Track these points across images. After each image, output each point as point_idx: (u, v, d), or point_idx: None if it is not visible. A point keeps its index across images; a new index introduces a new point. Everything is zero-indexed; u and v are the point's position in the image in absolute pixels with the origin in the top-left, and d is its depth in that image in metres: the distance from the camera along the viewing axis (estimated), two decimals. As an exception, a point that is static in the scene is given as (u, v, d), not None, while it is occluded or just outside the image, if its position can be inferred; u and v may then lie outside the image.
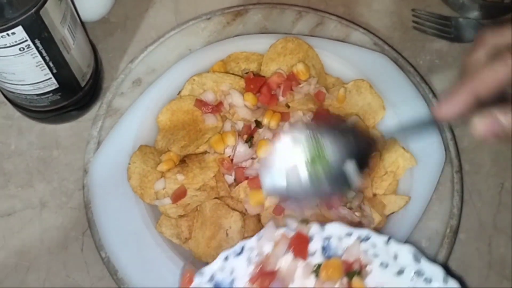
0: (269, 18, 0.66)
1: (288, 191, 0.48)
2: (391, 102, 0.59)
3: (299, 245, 0.48)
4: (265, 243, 0.48)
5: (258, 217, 0.55)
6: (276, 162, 0.47)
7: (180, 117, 0.58)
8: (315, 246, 0.49)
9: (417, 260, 0.48)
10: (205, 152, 0.56)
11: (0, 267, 0.57)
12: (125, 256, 0.53)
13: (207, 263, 0.53)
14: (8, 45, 0.49)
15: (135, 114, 0.59)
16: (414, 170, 0.57)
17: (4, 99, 0.61)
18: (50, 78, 0.55)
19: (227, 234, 0.53)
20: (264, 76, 0.60)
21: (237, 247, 0.48)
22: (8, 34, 0.48)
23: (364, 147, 0.48)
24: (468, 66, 0.43)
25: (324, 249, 0.49)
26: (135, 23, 0.68)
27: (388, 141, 0.57)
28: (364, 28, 0.66)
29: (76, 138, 0.62)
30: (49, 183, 0.60)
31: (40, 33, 0.50)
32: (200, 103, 0.58)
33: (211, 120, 0.57)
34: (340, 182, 0.47)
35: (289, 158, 0.47)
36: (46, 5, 0.49)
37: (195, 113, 0.58)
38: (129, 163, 0.56)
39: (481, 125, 0.41)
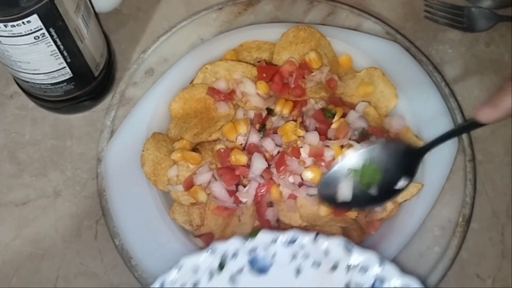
0: (280, 8, 0.66)
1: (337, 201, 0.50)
2: (403, 90, 0.59)
3: None
4: (187, 274, 0.47)
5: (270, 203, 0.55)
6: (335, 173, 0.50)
7: (192, 105, 0.59)
8: (241, 263, 0.47)
9: (348, 251, 0.47)
10: (217, 140, 0.56)
11: (15, 256, 0.57)
12: (139, 243, 0.54)
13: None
14: (24, 33, 0.49)
15: (148, 103, 0.59)
16: (427, 158, 0.56)
17: (19, 90, 0.62)
18: (64, 67, 0.55)
19: (239, 220, 0.53)
20: (276, 65, 0.60)
21: (157, 283, 0.47)
22: (23, 23, 0.49)
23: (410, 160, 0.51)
24: None
25: (252, 262, 0.48)
26: (147, 14, 0.68)
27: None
28: (376, 18, 0.66)
29: (90, 128, 0.62)
30: (63, 173, 0.61)
31: (54, 22, 0.50)
32: (213, 91, 0.58)
33: (223, 108, 0.57)
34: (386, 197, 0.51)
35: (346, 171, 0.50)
36: (61, -7, 0.49)
37: (208, 101, 0.58)
38: (143, 150, 0.56)
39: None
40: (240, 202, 0.53)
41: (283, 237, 0.47)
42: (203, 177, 0.54)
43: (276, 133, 0.55)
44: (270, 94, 0.58)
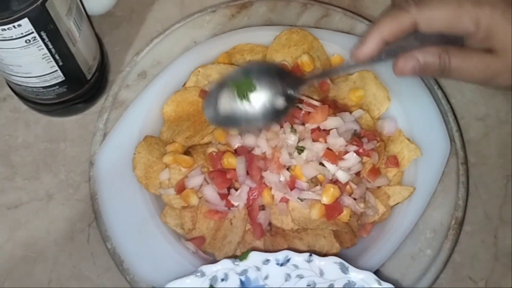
0: (274, 11, 0.66)
1: (230, 120, 0.50)
2: (396, 93, 0.59)
3: None
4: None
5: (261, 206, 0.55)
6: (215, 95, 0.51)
7: (185, 108, 0.58)
8: (232, 285, 0.46)
9: (344, 271, 0.46)
10: (209, 143, 0.56)
11: (8, 259, 0.57)
12: (131, 247, 0.54)
13: (213, 255, 0.54)
14: (14, 37, 0.49)
15: (140, 106, 0.59)
16: (419, 161, 0.57)
17: (11, 93, 0.62)
18: (56, 70, 0.55)
19: (231, 223, 0.53)
20: (268, 68, 0.60)
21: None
22: (14, 26, 0.48)
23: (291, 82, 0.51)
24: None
25: (244, 284, 0.46)
26: (140, 16, 0.68)
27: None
28: (369, 20, 0.65)
29: (82, 130, 0.62)
30: (56, 175, 0.60)
31: (46, 25, 0.50)
32: (205, 94, 0.58)
33: (215, 111, 0.57)
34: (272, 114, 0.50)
35: (227, 93, 0.50)
36: (52, -3, 0.49)
37: (200, 104, 0.58)
38: (135, 153, 0.56)
39: (402, 62, 0.47)
40: (232, 205, 0.53)
41: (275, 256, 0.46)
42: (195, 180, 0.54)
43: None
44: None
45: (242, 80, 0.50)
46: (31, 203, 0.59)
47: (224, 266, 0.46)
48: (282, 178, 0.53)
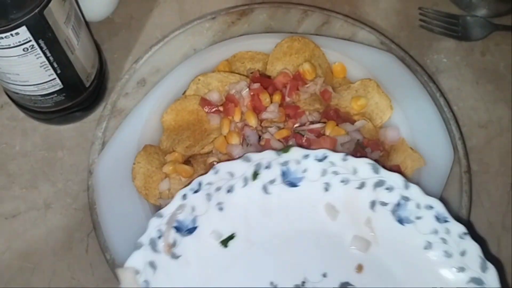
0: (274, 18, 0.66)
1: None
2: (398, 102, 0.59)
3: None
4: (223, 176, 0.48)
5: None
6: None
7: (185, 117, 0.58)
8: (274, 174, 0.49)
9: (376, 171, 0.49)
10: (210, 153, 0.56)
11: (5, 269, 0.56)
12: (130, 257, 0.53)
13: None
14: (12, 45, 0.49)
15: (139, 115, 0.58)
16: (422, 170, 0.56)
17: (9, 100, 0.61)
18: (55, 78, 0.54)
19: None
20: (269, 76, 0.60)
21: (194, 184, 0.48)
22: (12, 35, 0.48)
23: None
24: None
25: (284, 174, 0.49)
26: (139, 23, 0.68)
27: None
28: (371, 27, 0.65)
29: (81, 139, 0.62)
30: (54, 184, 0.60)
31: (44, 33, 0.50)
32: (205, 102, 0.57)
33: (216, 121, 0.57)
34: None
35: None
36: (50, 5, 0.48)
37: (200, 113, 0.58)
38: (134, 163, 0.55)
39: None
40: (233, 215, 0.53)
41: (314, 153, 0.49)
42: (196, 190, 0.53)
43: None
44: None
45: None
46: (29, 213, 0.59)
47: (268, 155, 0.49)
48: None
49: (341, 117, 0.56)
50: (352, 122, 0.57)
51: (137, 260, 0.47)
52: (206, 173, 0.49)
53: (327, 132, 0.54)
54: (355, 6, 0.69)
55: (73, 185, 0.60)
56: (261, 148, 0.53)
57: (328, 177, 0.49)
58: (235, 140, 0.54)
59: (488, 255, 0.49)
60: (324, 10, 0.66)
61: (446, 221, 0.48)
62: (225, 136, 0.55)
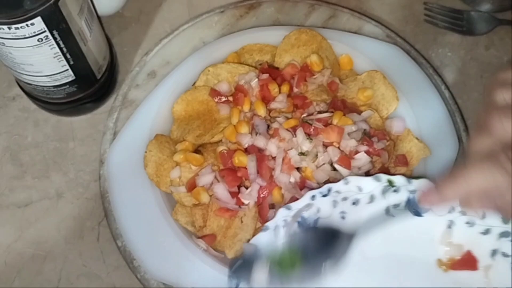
0: (282, 11, 0.67)
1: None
2: (404, 93, 0.60)
3: None
4: (352, 188, 0.49)
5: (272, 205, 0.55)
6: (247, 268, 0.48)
7: (195, 107, 0.59)
8: (400, 198, 0.49)
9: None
10: (220, 142, 0.57)
11: (17, 257, 0.57)
12: (141, 244, 0.54)
13: (223, 253, 0.54)
14: (27, 35, 0.50)
15: (150, 105, 0.59)
16: (428, 161, 0.57)
17: (21, 92, 0.62)
18: (67, 69, 0.55)
19: (242, 221, 0.53)
20: (277, 68, 0.61)
21: (324, 189, 0.49)
22: (27, 25, 0.49)
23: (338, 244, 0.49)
24: (470, 155, 0.42)
25: (409, 201, 0.49)
26: (149, 17, 0.69)
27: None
28: (376, 21, 0.66)
29: (92, 130, 0.63)
30: (65, 174, 0.61)
31: (58, 24, 0.51)
32: (215, 93, 0.58)
33: (225, 110, 0.58)
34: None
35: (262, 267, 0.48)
36: (64, -4, 0.50)
37: (210, 103, 0.59)
38: (146, 152, 0.56)
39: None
40: (243, 203, 0.54)
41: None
42: (206, 178, 0.54)
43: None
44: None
45: (284, 254, 0.48)
46: (41, 202, 0.60)
47: (399, 180, 0.49)
48: (292, 179, 0.54)
49: (348, 108, 0.57)
50: (359, 112, 0.57)
51: (261, 240, 0.49)
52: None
53: (335, 122, 0.55)
54: (361, 0, 0.70)
55: (84, 175, 0.61)
56: (269, 137, 0.54)
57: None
58: (244, 129, 0.55)
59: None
60: (330, 4, 0.67)
61: None
62: (234, 126, 0.56)
